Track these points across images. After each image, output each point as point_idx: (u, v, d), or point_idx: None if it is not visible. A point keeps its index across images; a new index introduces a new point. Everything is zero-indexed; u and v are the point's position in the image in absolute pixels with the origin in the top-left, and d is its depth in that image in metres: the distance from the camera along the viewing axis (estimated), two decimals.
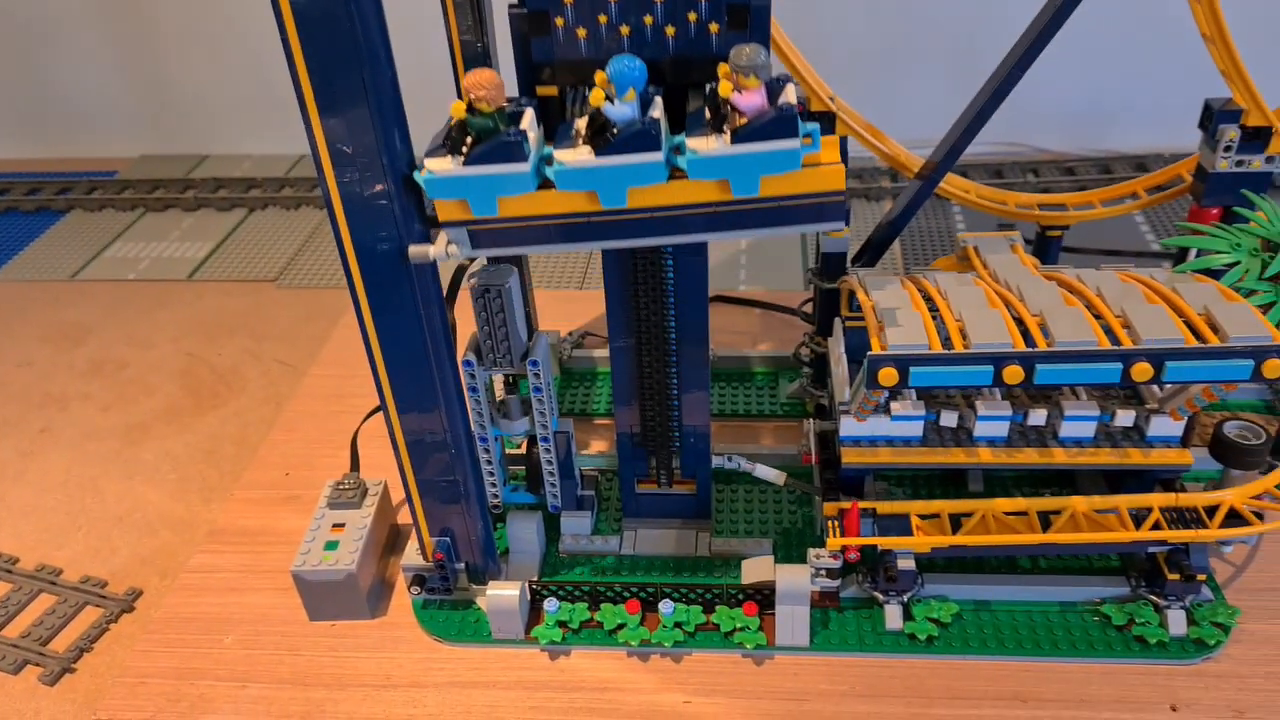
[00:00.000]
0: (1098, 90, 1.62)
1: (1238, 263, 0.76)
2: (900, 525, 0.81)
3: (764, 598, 0.84)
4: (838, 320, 0.89)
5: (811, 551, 0.82)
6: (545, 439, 0.88)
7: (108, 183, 1.72)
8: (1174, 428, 0.80)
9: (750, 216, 0.65)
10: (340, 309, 1.34)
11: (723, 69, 0.63)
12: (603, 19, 0.66)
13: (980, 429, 0.82)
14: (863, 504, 0.82)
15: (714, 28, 0.66)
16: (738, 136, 0.61)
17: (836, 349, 0.87)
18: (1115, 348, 0.67)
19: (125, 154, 1.85)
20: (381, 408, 0.79)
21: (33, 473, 1.11)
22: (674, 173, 0.63)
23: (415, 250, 0.68)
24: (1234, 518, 0.79)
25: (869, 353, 0.69)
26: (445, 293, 0.77)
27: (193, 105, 1.83)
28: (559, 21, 0.66)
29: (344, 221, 0.68)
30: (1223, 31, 0.82)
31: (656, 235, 0.65)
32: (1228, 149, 0.87)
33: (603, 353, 1.17)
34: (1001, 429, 0.82)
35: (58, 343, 1.33)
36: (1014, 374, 0.67)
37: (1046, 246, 1.00)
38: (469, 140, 0.63)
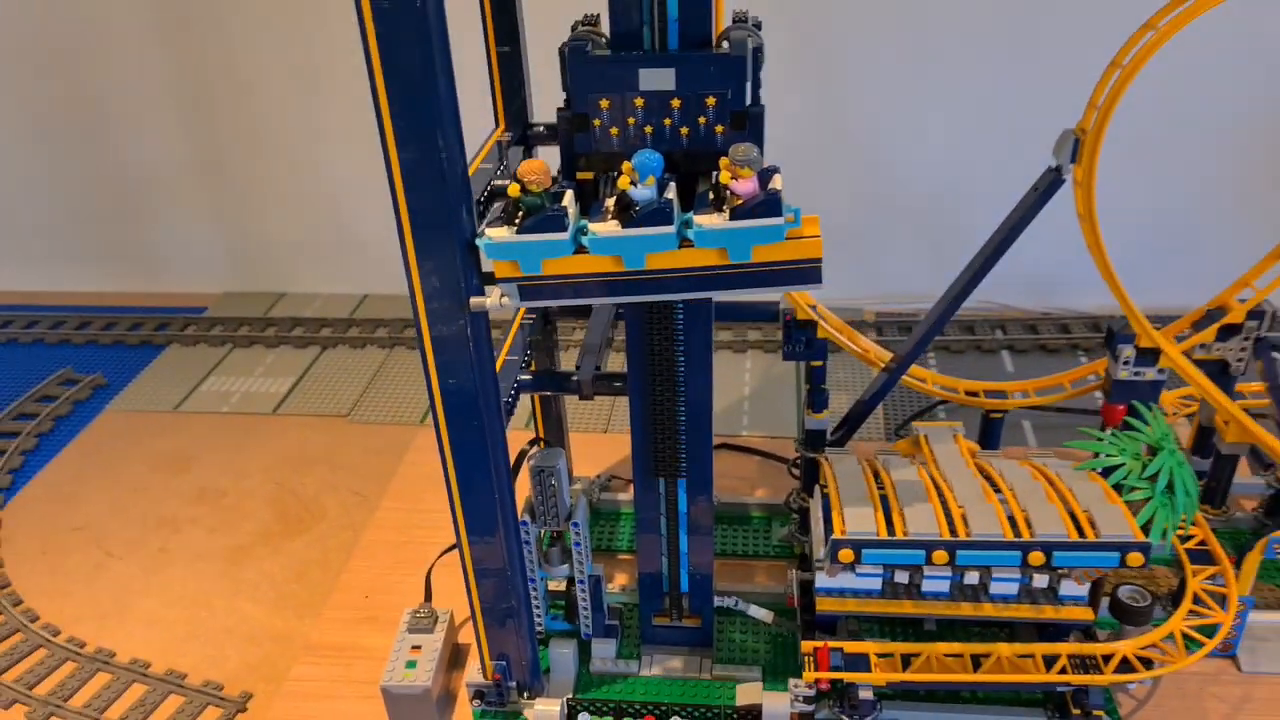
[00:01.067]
0: (1062, 254, 1.86)
1: (1123, 464, 0.99)
2: (862, 662, 1.02)
3: (754, 718, 1.05)
4: (817, 487, 1.12)
5: (791, 681, 1.03)
6: (582, 581, 1.11)
7: (199, 319, 1.99)
8: (1080, 589, 1.02)
9: (744, 279, 0.84)
10: (404, 444, 1.58)
11: (723, 162, 0.83)
12: (630, 121, 0.86)
13: (927, 585, 1.04)
14: (832, 644, 1.03)
15: (719, 129, 0.86)
16: (734, 214, 0.81)
17: (815, 511, 1.09)
18: (1017, 540, 0.89)
19: (212, 290, 2.13)
20: (457, 546, 1.02)
21: (155, 588, 1.34)
22: (683, 242, 0.83)
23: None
24: (1126, 665, 1.00)
25: (831, 535, 0.92)
26: (511, 467, 1.01)
27: (272, 246, 2.11)
28: (596, 123, 0.87)
29: (434, 366, 0.89)
30: (1103, 257, 1.06)
31: (669, 292, 0.85)
32: (1126, 363, 1.10)
33: (626, 495, 1.40)
34: (944, 586, 1.03)
35: (166, 470, 1.58)
36: (940, 557, 0.89)
37: (990, 426, 1.23)
38: (521, 214, 0.83)
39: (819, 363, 1.19)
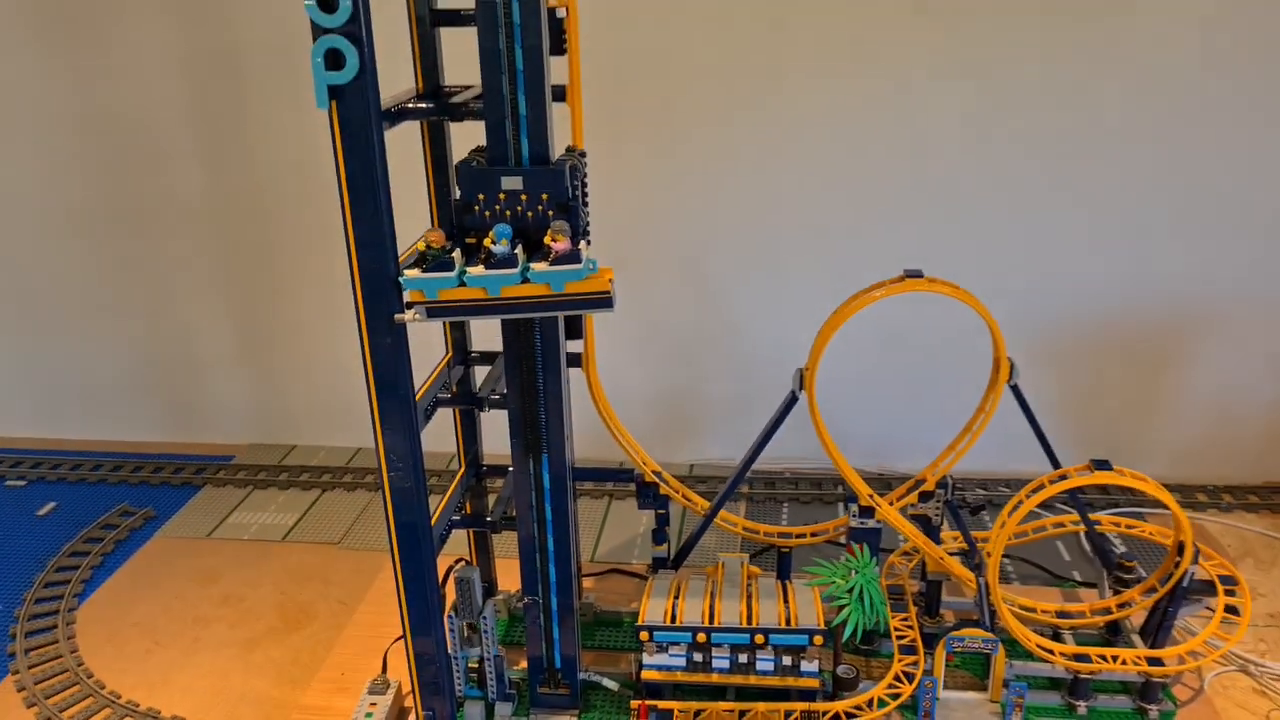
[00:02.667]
0: (889, 423, 2.42)
1: (834, 582, 1.53)
2: (668, 716, 1.53)
3: None
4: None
5: None
6: (489, 659, 1.63)
7: (229, 465, 2.55)
8: (814, 666, 1.53)
9: (562, 304, 1.25)
10: (379, 566, 2.11)
11: (550, 231, 1.24)
12: (496, 207, 1.27)
13: (715, 662, 1.55)
14: (649, 703, 1.54)
15: (550, 213, 1.28)
16: (553, 262, 1.22)
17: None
18: (747, 627, 1.42)
19: (240, 441, 2.70)
20: (403, 638, 1.54)
21: (190, 667, 1.85)
22: (524, 280, 1.22)
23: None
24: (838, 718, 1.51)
25: (638, 623, 1.45)
26: (440, 579, 1.54)
27: (287, 408, 2.68)
28: (476, 208, 1.26)
29: (390, 508, 1.44)
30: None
31: (515, 312, 1.25)
32: (854, 515, 1.66)
33: None
34: (725, 662, 1.55)
35: (200, 582, 2.11)
36: (701, 638, 1.42)
37: (782, 558, 1.77)
38: (427, 262, 1.24)
39: (662, 510, 1.75)
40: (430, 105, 1.37)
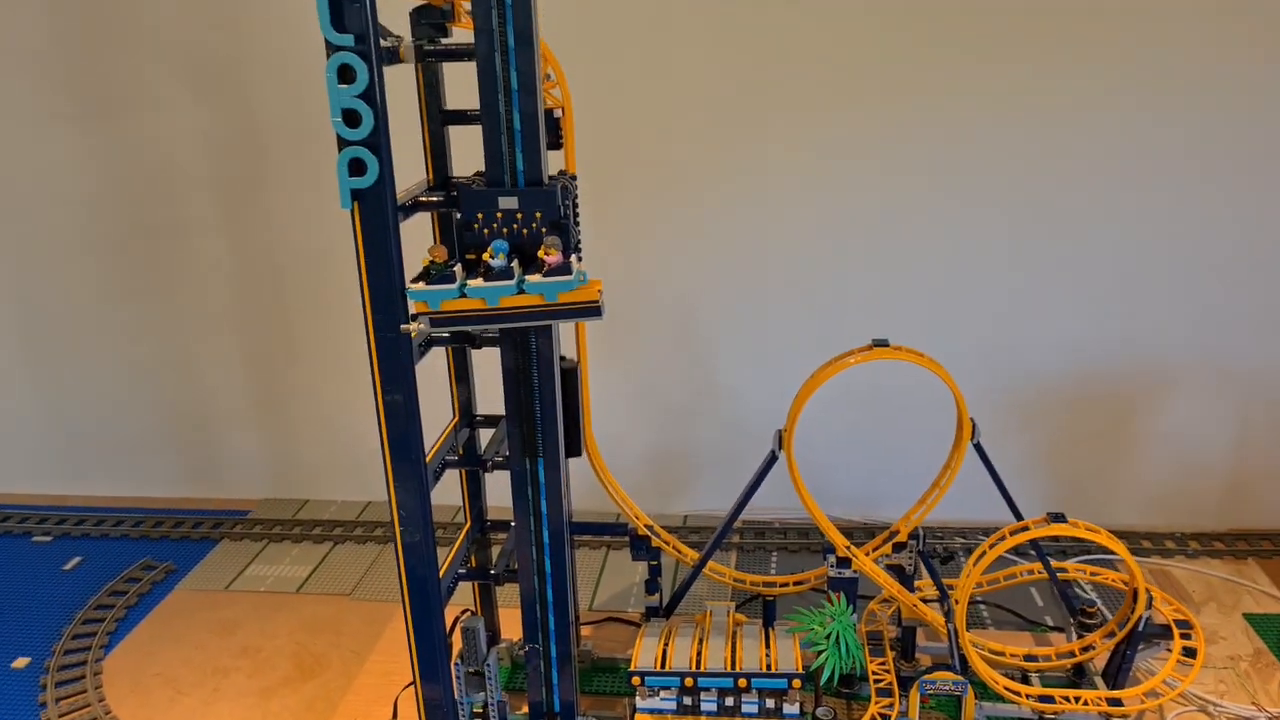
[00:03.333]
0: (875, 475, 2.55)
1: (813, 629, 1.65)
2: None
3: None
4: None
5: None
6: (493, 704, 1.74)
7: (245, 520, 2.68)
8: (795, 708, 1.65)
9: (555, 313, 1.36)
10: (389, 616, 2.23)
11: (544, 245, 1.35)
12: (495, 225, 1.38)
13: (704, 705, 1.66)
14: None
15: (543, 230, 1.36)
16: (546, 274, 1.33)
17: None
18: (730, 672, 1.54)
19: (255, 497, 2.82)
20: (413, 684, 1.66)
21: (212, 717, 1.96)
22: (520, 291, 1.33)
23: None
24: None
25: (630, 668, 1.57)
26: (448, 628, 1.67)
27: (300, 464, 2.82)
28: (475, 226, 1.37)
29: (401, 559, 1.57)
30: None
31: (511, 321, 1.36)
32: (832, 565, 1.78)
33: None
34: (714, 706, 1.66)
35: (219, 633, 2.22)
36: (689, 682, 1.54)
37: (767, 606, 1.89)
38: (430, 275, 1.35)
39: (655, 561, 1.87)
40: (440, 198, 1.52)
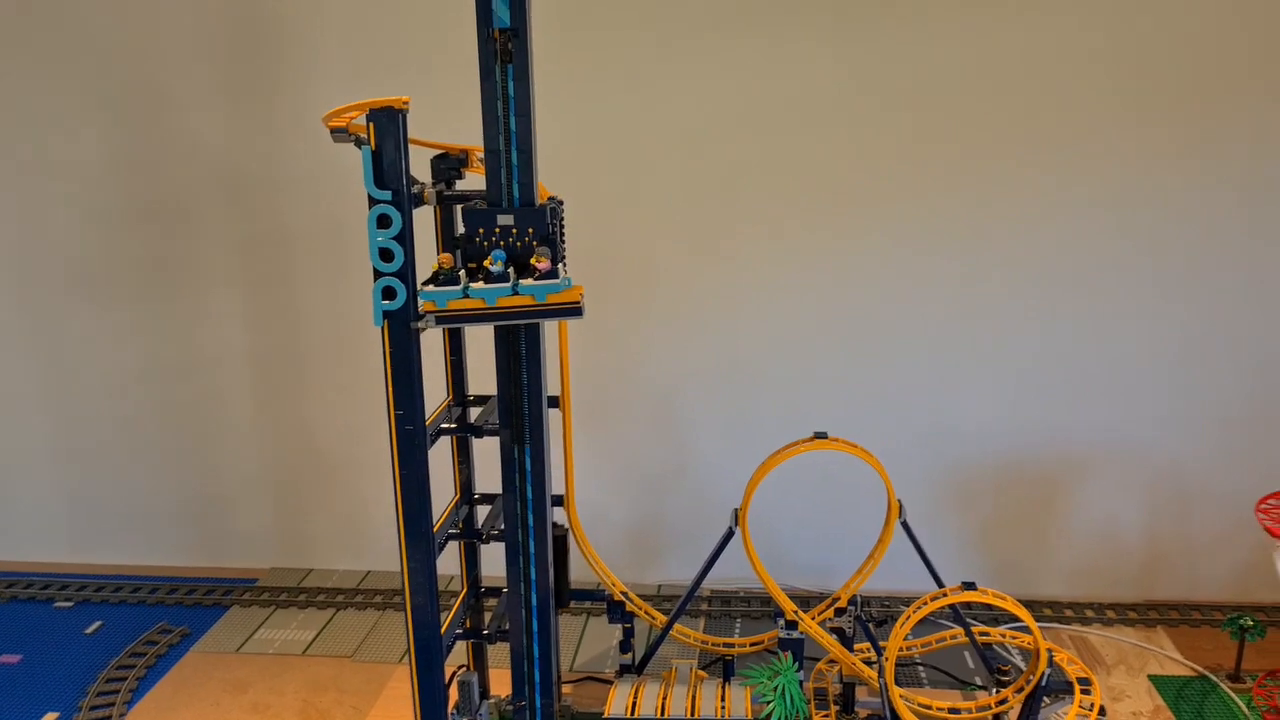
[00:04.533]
0: (829, 549, 2.82)
1: (761, 682, 1.91)
2: None
3: None
4: None
5: None
6: None
7: (254, 588, 2.91)
8: None
9: (545, 312, 1.56)
10: (388, 676, 2.46)
11: (535, 254, 1.55)
12: (492, 239, 1.59)
13: None
14: None
15: (535, 244, 1.59)
16: (537, 278, 1.54)
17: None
18: (690, 718, 1.79)
19: (263, 566, 3.06)
20: None
21: None
22: (515, 292, 1.54)
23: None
24: None
25: (604, 715, 1.82)
26: (447, 682, 1.91)
27: (305, 536, 3.06)
28: (477, 239, 1.59)
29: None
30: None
31: (508, 319, 1.58)
32: (782, 627, 2.04)
33: None
34: None
35: (231, 692, 2.45)
36: None
37: (729, 666, 2.14)
38: (439, 278, 1.56)
39: (628, 625, 2.13)
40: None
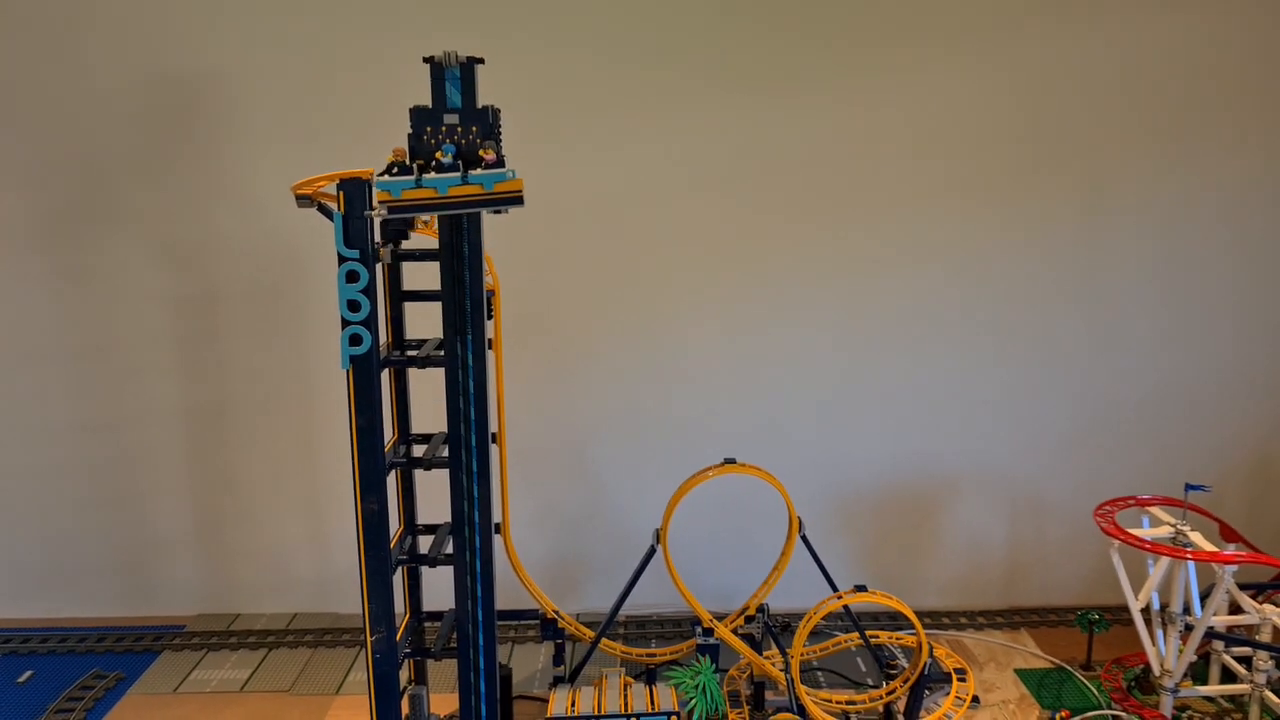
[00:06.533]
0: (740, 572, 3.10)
1: (684, 681, 2.15)
2: None
3: None
4: None
5: None
6: None
7: (182, 633, 2.98)
8: None
9: (492, 201, 1.66)
10: (327, 706, 2.59)
11: (483, 147, 1.67)
12: (441, 135, 1.70)
13: None
14: None
15: (480, 141, 1.71)
16: (484, 167, 1.65)
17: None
18: (624, 714, 2.02)
19: (188, 613, 3.12)
20: None
21: None
22: (465, 181, 1.63)
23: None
24: None
25: (547, 715, 2.03)
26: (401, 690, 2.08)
27: (230, 583, 3.15)
28: (425, 138, 1.70)
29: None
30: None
31: (460, 208, 1.66)
32: (699, 634, 2.30)
33: None
34: None
35: None
36: None
37: (651, 673, 2.38)
38: (393, 170, 1.64)
39: (560, 640, 2.35)
40: (399, 355, 2.05)
